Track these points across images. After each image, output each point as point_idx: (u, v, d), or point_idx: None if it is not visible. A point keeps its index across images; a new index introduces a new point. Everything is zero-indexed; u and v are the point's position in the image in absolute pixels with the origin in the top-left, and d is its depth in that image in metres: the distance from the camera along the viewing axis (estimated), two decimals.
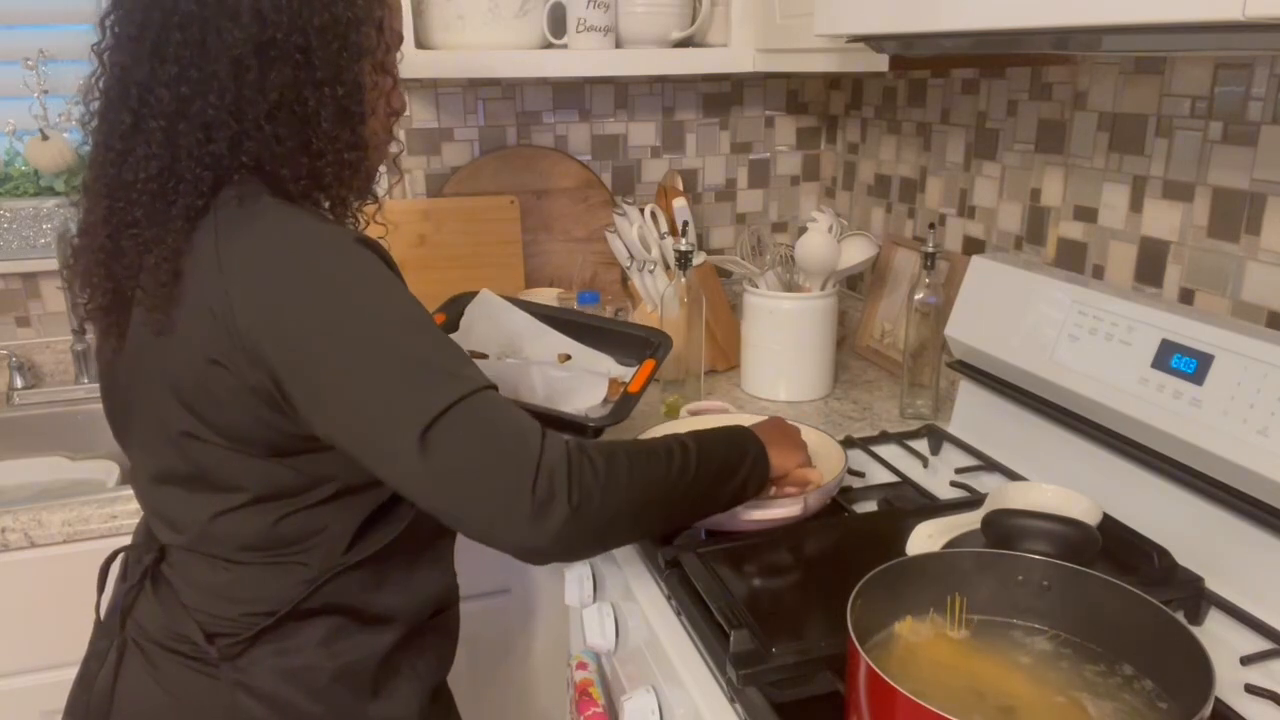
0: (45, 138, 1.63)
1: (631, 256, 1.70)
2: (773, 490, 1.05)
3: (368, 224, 0.96)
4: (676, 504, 0.91)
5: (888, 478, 1.25)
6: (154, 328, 0.80)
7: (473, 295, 1.43)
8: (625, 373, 1.30)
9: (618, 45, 1.55)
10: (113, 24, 0.82)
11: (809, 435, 1.24)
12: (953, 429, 1.39)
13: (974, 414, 1.37)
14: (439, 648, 1.01)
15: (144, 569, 0.92)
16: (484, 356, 1.35)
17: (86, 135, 0.84)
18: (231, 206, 0.79)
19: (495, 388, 0.81)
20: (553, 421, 1.12)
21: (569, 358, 1.36)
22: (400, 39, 0.91)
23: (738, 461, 0.96)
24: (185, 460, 0.84)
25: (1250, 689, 0.85)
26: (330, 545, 0.88)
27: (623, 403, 1.20)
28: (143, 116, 0.79)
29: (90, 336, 1.66)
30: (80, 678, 0.94)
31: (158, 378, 0.82)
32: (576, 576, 1.20)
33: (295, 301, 0.77)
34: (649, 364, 1.25)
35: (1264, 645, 0.90)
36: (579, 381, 1.24)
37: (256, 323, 0.76)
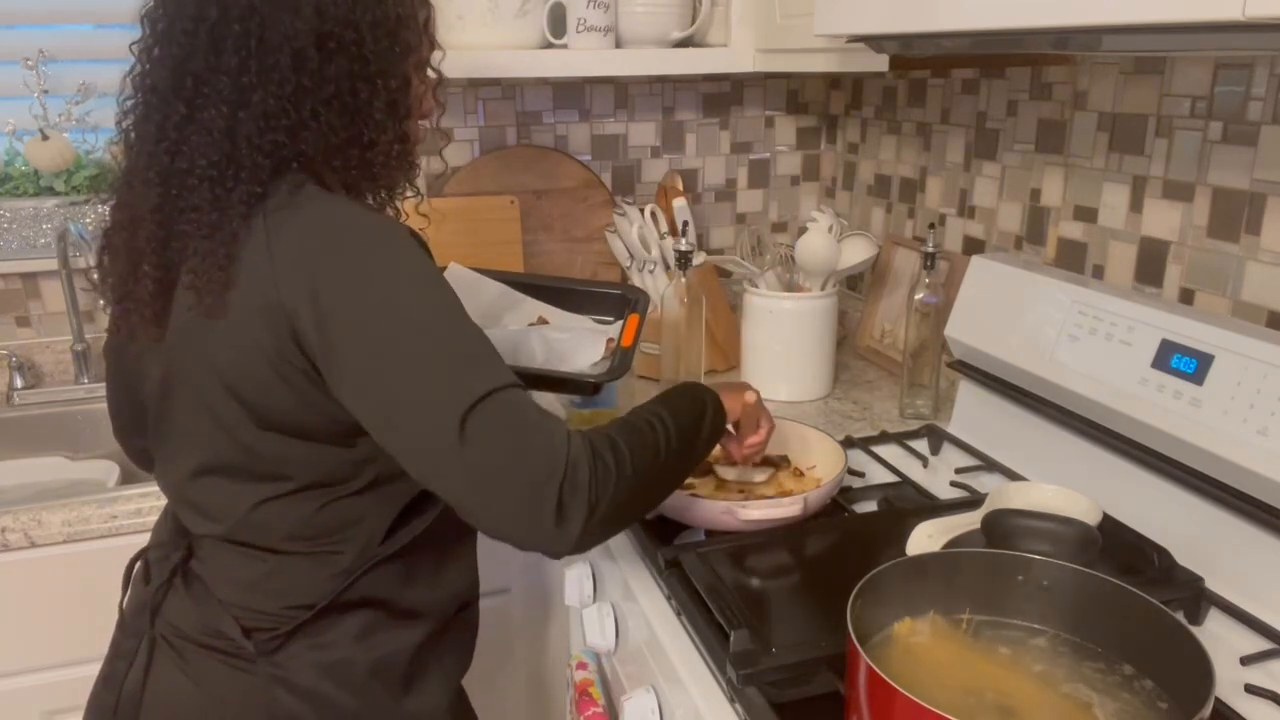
0: (45, 138, 1.62)
1: (631, 256, 1.70)
2: (731, 431, 1.09)
3: (408, 217, 0.97)
4: (668, 476, 0.93)
5: (888, 478, 1.25)
6: (207, 312, 0.80)
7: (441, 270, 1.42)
8: (611, 329, 1.30)
9: (618, 45, 1.55)
10: (160, 18, 0.82)
11: (810, 434, 1.24)
12: (953, 429, 1.39)
13: (974, 414, 1.37)
14: (463, 644, 1.02)
15: (172, 566, 0.91)
16: None
17: (124, 129, 0.85)
18: (284, 195, 0.81)
19: (524, 388, 0.81)
20: (555, 382, 1.13)
21: (546, 322, 1.35)
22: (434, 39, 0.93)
23: (700, 416, 0.97)
24: (234, 449, 0.84)
25: (1250, 689, 0.85)
26: (368, 535, 0.89)
27: (620, 357, 1.20)
28: (198, 106, 0.80)
29: (89, 337, 1.66)
30: (105, 677, 0.94)
31: (207, 365, 0.82)
32: (576, 576, 1.20)
33: (337, 288, 0.78)
34: (633, 318, 1.25)
35: (1264, 645, 0.91)
36: (577, 341, 1.24)
37: (303, 308, 0.77)
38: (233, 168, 0.79)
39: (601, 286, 1.41)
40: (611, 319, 1.33)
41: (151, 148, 0.82)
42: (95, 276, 0.90)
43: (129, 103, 0.84)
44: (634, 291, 1.34)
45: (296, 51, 0.79)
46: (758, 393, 1.08)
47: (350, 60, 0.82)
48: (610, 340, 1.25)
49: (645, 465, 0.86)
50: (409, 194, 0.96)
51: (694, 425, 0.95)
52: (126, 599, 0.98)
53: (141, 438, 0.97)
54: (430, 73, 0.93)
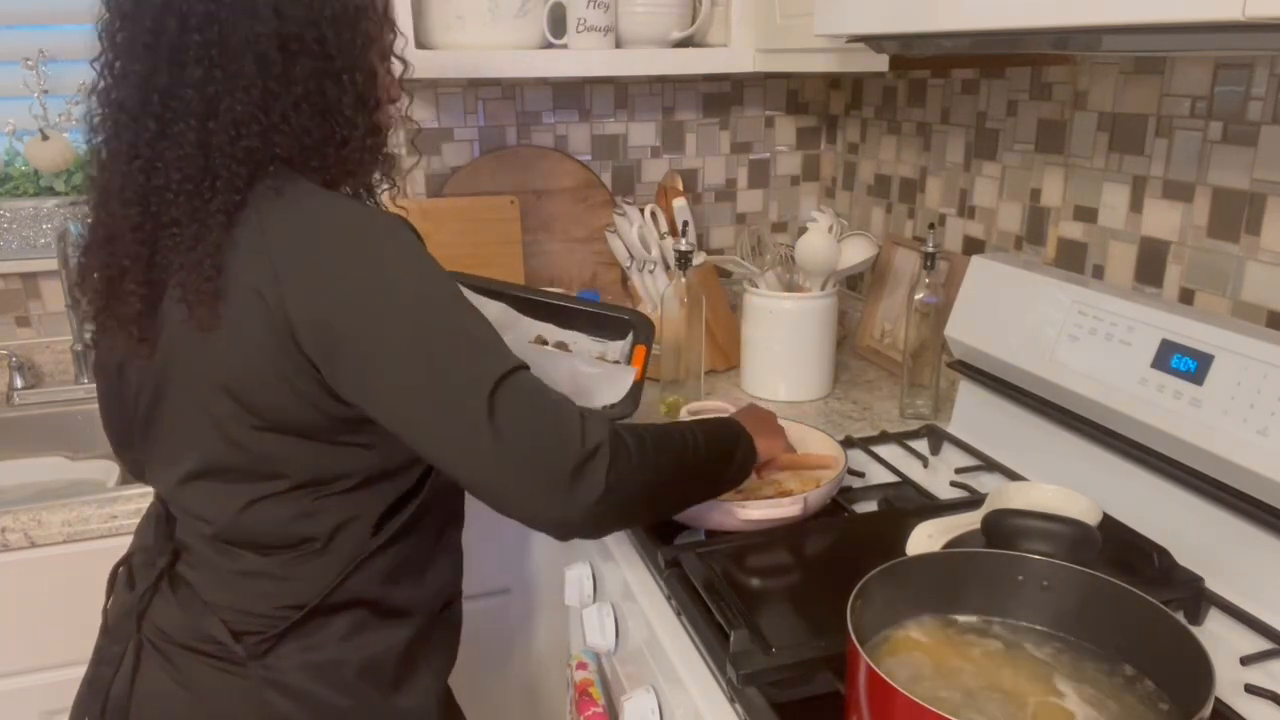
0: (45, 138, 1.62)
1: (631, 256, 1.70)
2: (755, 479, 1.11)
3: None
4: (689, 486, 0.95)
5: (888, 478, 1.25)
6: (200, 324, 0.79)
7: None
8: (612, 348, 1.32)
9: (618, 45, 1.55)
10: (117, 33, 0.81)
11: (810, 434, 1.24)
12: (953, 429, 1.39)
13: (974, 414, 1.37)
14: (448, 642, 1.03)
15: (158, 571, 0.91)
16: None
17: (97, 147, 0.84)
18: (270, 197, 0.80)
19: (527, 366, 0.83)
20: None
21: (544, 341, 1.35)
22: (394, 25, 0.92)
23: (733, 447, 0.99)
24: (229, 450, 0.84)
25: (1250, 689, 0.85)
26: (359, 533, 0.89)
27: (632, 391, 1.21)
28: (168, 121, 0.79)
29: (88, 337, 1.66)
30: (89, 682, 0.93)
31: (205, 371, 0.82)
32: (576, 576, 1.20)
33: (344, 282, 0.78)
34: (640, 350, 1.26)
35: (1264, 645, 0.90)
36: (605, 378, 1.24)
37: (307, 305, 0.77)
38: (209, 179, 0.79)
39: (600, 309, 1.42)
40: (608, 339, 1.33)
41: (125, 166, 0.81)
42: (78, 291, 0.89)
43: (96, 119, 0.83)
44: (634, 316, 1.34)
45: (259, 55, 0.79)
46: (812, 461, 1.14)
47: (315, 59, 0.81)
48: (635, 376, 1.25)
49: (669, 461, 0.88)
50: (384, 186, 0.96)
51: (725, 449, 0.98)
52: (110, 604, 0.97)
53: (135, 450, 0.96)
54: (395, 60, 0.92)
